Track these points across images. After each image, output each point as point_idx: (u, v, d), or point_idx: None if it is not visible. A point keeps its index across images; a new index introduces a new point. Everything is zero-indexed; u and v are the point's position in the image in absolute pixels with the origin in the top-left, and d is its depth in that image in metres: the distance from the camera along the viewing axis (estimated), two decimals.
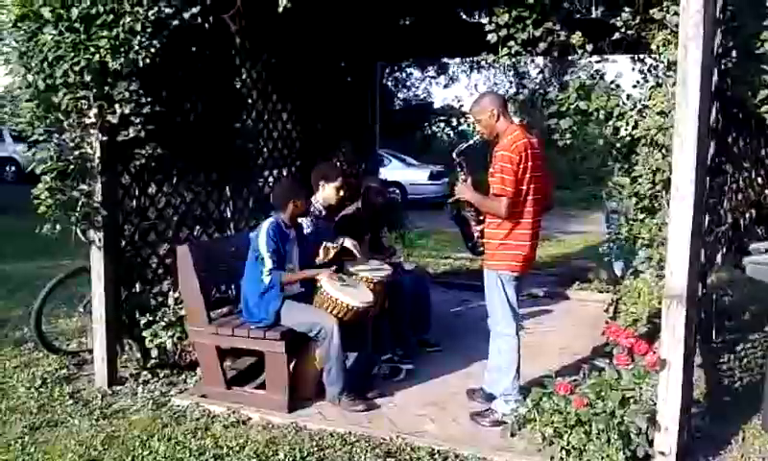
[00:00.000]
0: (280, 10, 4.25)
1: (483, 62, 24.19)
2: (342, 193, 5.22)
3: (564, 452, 3.56)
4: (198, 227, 5.63)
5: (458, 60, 24.16)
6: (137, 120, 4.38)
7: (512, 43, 5.07)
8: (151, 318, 4.78)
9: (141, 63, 4.31)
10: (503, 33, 5.07)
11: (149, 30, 4.33)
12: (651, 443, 3.47)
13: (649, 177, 4.93)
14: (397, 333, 5.40)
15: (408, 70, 25.17)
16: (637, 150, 4.99)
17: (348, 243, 4.97)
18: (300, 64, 6.72)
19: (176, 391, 4.72)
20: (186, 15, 4.48)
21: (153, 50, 4.33)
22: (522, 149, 4.15)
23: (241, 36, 5.30)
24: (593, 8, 5.12)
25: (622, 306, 5.27)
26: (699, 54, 3.33)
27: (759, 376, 4.89)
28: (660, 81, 5.09)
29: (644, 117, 5.03)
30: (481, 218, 4.55)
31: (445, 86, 25.06)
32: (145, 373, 4.86)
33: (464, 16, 7.09)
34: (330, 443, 3.96)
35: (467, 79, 25.23)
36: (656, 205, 5.04)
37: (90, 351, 5.12)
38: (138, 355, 4.95)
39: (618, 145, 6.27)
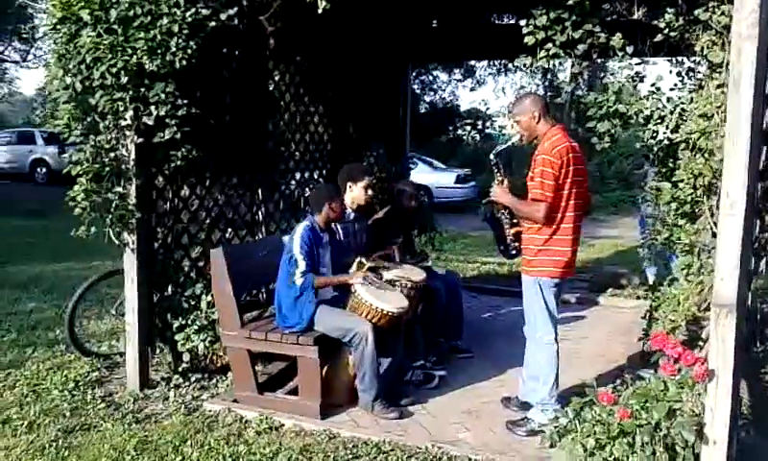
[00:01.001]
0: (320, 11, 4.20)
1: (510, 65, 24.11)
2: (370, 192, 5.16)
3: None
4: (229, 229, 5.61)
5: (485, 62, 23.98)
6: (173, 122, 4.36)
7: (549, 45, 4.99)
8: (183, 321, 4.76)
9: (178, 65, 4.29)
10: (541, 35, 5.00)
11: (185, 31, 4.31)
12: (697, 457, 3.36)
13: (690, 182, 4.82)
14: (430, 339, 5.33)
15: (434, 73, 25.08)
16: (679, 154, 4.88)
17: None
18: (332, 67, 6.68)
19: (207, 396, 4.69)
20: (223, 17, 4.46)
21: (189, 51, 4.31)
22: (564, 153, 4.07)
23: (275, 38, 5.26)
24: (635, 9, 5.00)
25: (660, 314, 5.15)
26: (754, 55, 3.20)
27: None
28: (702, 83, 4.99)
29: (684, 120, 4.93)
30: (515, 221, 4.48)
31: (472, 90, 25.01)
32: (177, 377, 4.84)
33: (496, 20, 6.99)
34: (365, 451, 3.90)
35: (493, 82, 25.12)
36: (696, 210, 4.93)
37: (122, 354, 5.13)
38: (170, 359, 4.93)
39: (656, 149, 6.18)
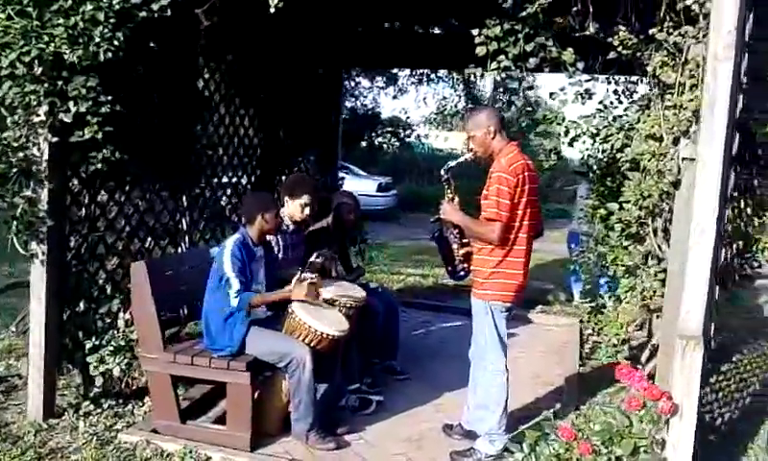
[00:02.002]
0: (272, 9, 3.87)
1: (432, 75, 24.21)
2: (307, 211, 4.85)
3: None
4: (149, 239, 5.16)
5: (407, 71, 23.95)
6: (94, 120, 3.90)
7: (502, 57, 4.84)
8: (97, 342, 4.28)
9: (102, 57, 3.85)
10: (493, 46, 4.84)
11: (112, 20, 3.87)
12: None
13: (638, 203, 4.77)
14: (365, 360, 5.06)
15: (357, 79, 24.87)
16: (625, 174, 4.82)
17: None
18: (263, 69, 6.33)
19: (122, 425, 4.23)
20: (155, 7, 4.03)
21: (116, 43, 3.88)
22: (520, 171, 3.89)
23: (207, 35, 4.86)
24: (588, 24, 4.91)
25: (603, 337, 5.09)
26: (729, 79, 3.12)
27: (737, 411, 4.75)
28: (650, 103, 4.95)
29: (629, 140, 4.88)
30: (465, 241, 4.27)
31: (394, 98, 24.81)
32: (86, 403, 4.32)
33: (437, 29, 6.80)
34: None
35: (415, 91, 25.07)
36: (641, 232, 4.89)
37: (20, 377, 4.60)
38: (78, 382, 4.44)
39: (595, 167, 6.12)
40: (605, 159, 5.49)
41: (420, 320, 7.27)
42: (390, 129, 25.80)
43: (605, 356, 4.94)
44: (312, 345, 4.05)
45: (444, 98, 25.48)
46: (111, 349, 4.26)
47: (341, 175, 7.96)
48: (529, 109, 7.62)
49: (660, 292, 4.82)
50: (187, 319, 4.73)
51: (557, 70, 5.08)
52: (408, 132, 26.18)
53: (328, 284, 4.62)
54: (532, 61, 4.85)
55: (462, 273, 4.31)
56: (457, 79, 25.14)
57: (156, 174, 5.12)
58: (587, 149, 5.62)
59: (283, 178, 6.95)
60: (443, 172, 4.27)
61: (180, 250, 5.41)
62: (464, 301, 8.45)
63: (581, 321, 6.99)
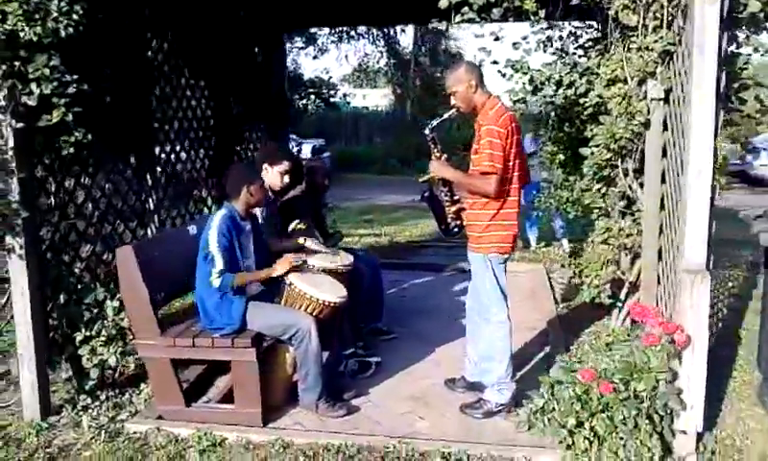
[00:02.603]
0: None
1: (353, 32, 23.92)
2: (286, 179, 4.74)
3: (586, 442, 3.38)
4: (119, 222, 4.94)
5: (327, 30, 23.59)
6: (61, 102, 3.65)
7: (466, 9, 4.80)
8: (87, 333, 4.08)
9: (63, 33, 3.61)
10: None
11: None
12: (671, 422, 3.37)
13: (609, 145, 4.86)
14: (355, 325, 5.03)
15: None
16: (596, 118, 4.91)
17: (310, 243, 4.58)
18: (207, 38, 6.08)
19: (126, 414, 4.08)
20: None
21: (75, 17, 3.64)
22: (508, 122, 3.90)
23: (150, 5, 4.62)
24: None
25: (584, 277, 5.21)
26: (717, 20, 3.18)
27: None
28: (609, 47, 5.03)
29: (591, 84, 4.96)
30: (456, 198, 4.28)
31: (314, 58, 24.46)
32: (83, 397, 4.14)
33: None
34: (331, 459, 3.55)
35: (336, 50, 24.76)
36: (611, 174, 5.00)
37: (3, 377, 4.37)
38: (65, 377, 4.24)
39: (553, 114, 6.21)
40: (565, 106, 5.57)
41: (390, 279, 7.24)
42: (312, 90, 25.38)
43: (588, 296, 5.06)
44: (315, 314, 4.00)
45: (366, 54, 25.26)
46: (104, 339, 4.08)
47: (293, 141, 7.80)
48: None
49: (636, 231, 4.98)
50: (165, 299, 4.56)
51: (520, 19, 5.08)
52: (332, 92, 25.83)
53: (316, 252, 4.56)
54: (496, 12, 4.83)
55: (455, 229, 4.31)
56: (377, 34, 24.99)
57: (119, 154, 4.89)
58: (543, 96, 5.68)
59: (237, 148, 6.78)
60: (427, 131, 4.23)
61: (149, 231, 5.20)
62: (424, 256, 8.65)
63: (563, 264, 7.07)
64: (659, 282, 4.87)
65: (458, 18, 4.80)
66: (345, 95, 26.32)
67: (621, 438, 3.25)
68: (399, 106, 24.81)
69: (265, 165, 4.68)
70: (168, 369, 3.98)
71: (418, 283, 7.07)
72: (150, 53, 5.41)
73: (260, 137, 7.06)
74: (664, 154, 4.76)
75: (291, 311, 4.00)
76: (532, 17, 4.91)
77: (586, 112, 5.18)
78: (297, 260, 4.16)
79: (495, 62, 5.12)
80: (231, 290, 3.90)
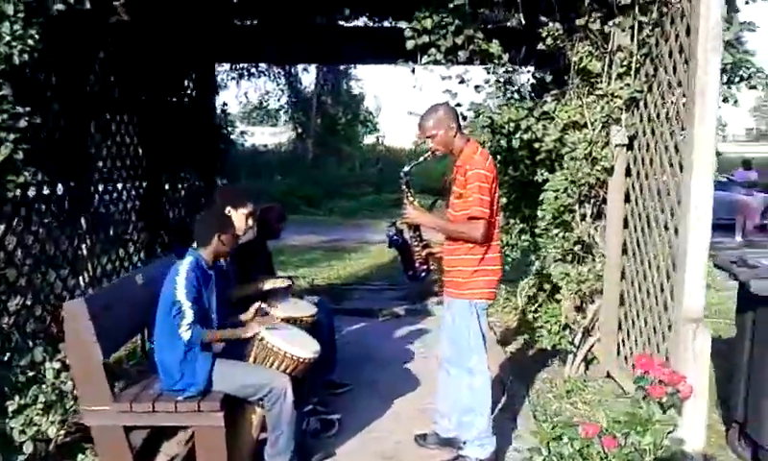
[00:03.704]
0: None
1: (253, 70, 23.59)
2: (251, 222, 4.42)
3: None
4: (50, 270, 4.43)
5: (227, 66, 23.11)
6: (11, 137, 3.21)
7: (433, 51, 4.75)
8: (21, 401, 3.56)
9: (17, 60, 3.19)
10: (424, 39, 4.74)
11: (22, 15, 3.22)
12: None
13: (572, 190, 4.89)
14: (312, 378, 4.72)
15: None
16: (561, 162, 4.93)
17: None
18: (142, 69, 5.69)
19: None
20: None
21: (31, 42, 3.24)
22: (493, 166, 3.81)
23: (90, 35, 4.24)
24: (512, 16, 4.95)
25: (542, 330, 5.18)
26: (718, 68, 3.23)
27: None
28: (566, 92, 5.10)
29: (547, 129, 5.00)
30: (425, 243, 4.14)
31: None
32: None
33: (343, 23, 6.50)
34: None
35: (236, 87, 24.25)
36: (568, 218, 5.03)
37: None
38: None
39: (499, 158, 6.15)
40: (515, 149, 5.58)
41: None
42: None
43: (549, 343, 5.02)
44: (288, 371, 3.69)
45: (267, 92, 24.94)
46: (41, 407, 3.57)
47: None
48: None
49: (593, 276, 5.01)
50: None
51: (483, 62, 5.08)
52: (230, 128, 25.26)
53: (280, 303, 4.26)
54: (462, 54, 4.80)
55: (423, 274, 4.17)
56: (278, 72, 24.76)
57: (52, 194, 4.41)
58: (498, 140, 5.67)
59: (166, 186, 6.37)
60: (402, 174, 4.06)
61: (81, 280, 4.70)
62: (353, 301, 8.40)
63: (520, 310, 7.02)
64: (619, 328, 4.91)
65: (425, 59, 4.74)
66: (243, 132, 25.83)
67: None
68: (301, 144, 24.59)
69: (228, 208, 4.34)
70: (120, 437, 3.53)
71: (356, 330, 6.82)
72: (87, 86, 4.94)
73: (190, 177, 6.64)
74: (626, 200, 4.84)
75: (264, 369, 3.67)
76: (496, 61, 4.91)
77: (538, 157, 5.21)
78: (266, 309, 3.87)
79: (459, 105, 5.06)
80: (199, 345, 3.53)
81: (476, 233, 3.69)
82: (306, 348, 3.79)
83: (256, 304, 3.87)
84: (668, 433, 3.24)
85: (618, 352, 4.92)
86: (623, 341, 4.83)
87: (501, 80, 5.13)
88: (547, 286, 5.19)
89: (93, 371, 3.46)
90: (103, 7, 3.78)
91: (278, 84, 24.64)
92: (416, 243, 4.11)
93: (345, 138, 25.22)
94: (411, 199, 3.99)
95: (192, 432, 4.06)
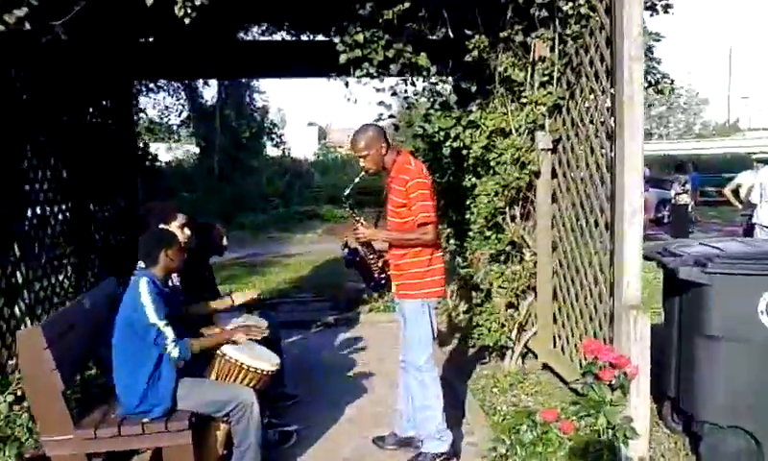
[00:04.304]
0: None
1: (152, 85, 22.94)
2: (187, 231, 4.42)
3: None
4: None
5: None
6: None
7: (366, 64, 4.90)
8: None
9: None
10: (357, 53, 4.88)
11: None
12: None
13: (503, 194, 5.16)
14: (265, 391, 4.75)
15: None
16: (493, 168, 5.18)
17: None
18: (63, 89, 5.55)
19: None
20: (11, 19, 3.34)
21: None
22: (428, 173, 4.02)
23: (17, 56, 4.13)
24: (437, 29, 5.16)
25: (481, 329, 5.40)
26: (642, 76, 3.54)
27: None
28: (490, 100, 5.38)
29: (474, 137, 5.26)
30: (379, 253, 4.28)
31: None
32: None
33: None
34: None
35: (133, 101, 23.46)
36: (500, 220, 5.31)
37: None
38: None
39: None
40: (438, 158, 5.83)
41: None
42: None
43: (491, 340, 5.26)
44: (251, 385, 3.73)
45: (167, 107, 24.33)
46: None
47: None
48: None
49: (526, 274, 5.30)
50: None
51: (413, 75, 5.28)
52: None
53: (231, 319, 4.29)
54: (393, 67, 4.98)
55: (383, 282, 4.31)
56: (177, 87, 24.22)
57: None
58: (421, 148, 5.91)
59: (95, 207, 6.22)
60: (345, 196, 4.17)
61: (17, 309, 4.54)
62: (282, 314, 8.39)
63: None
64: (554, 321, 5.21)
65: (359, 73, 4.88)
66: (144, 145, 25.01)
67: None
68: (205, 159, 24.13)
69: (161, 226, 4.31)
70: None
71: (294, 342, 6.86)
72: (12, 108, 4.77)
73: (117, 198, 6.50)
74: (553, 200, 5.15)
75: (228, 385, 3.70)
76: (425, 73, 5.11)
77: (465, 163, 5.46)
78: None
79: (392, 116, 5.23)
80: (188, 357, 3.54)
81: (427, 237, 3.88)
82: (267, 360, 3.84)
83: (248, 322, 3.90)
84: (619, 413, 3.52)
85: (554, 344, 5.22)
86: (558, 333, 5.13)
87: (430, 91, 5.35)
88: (484, 287, 5.42)
89: (53, 400, 3.39)
90: (38, 28, 3.69)
91: (178, 99, 24.19)
92: (371, 256, 4.24)
93: (250, 152, 24.93)
94: (358, 219, 4.12)
95: (152, 454, 4.07)
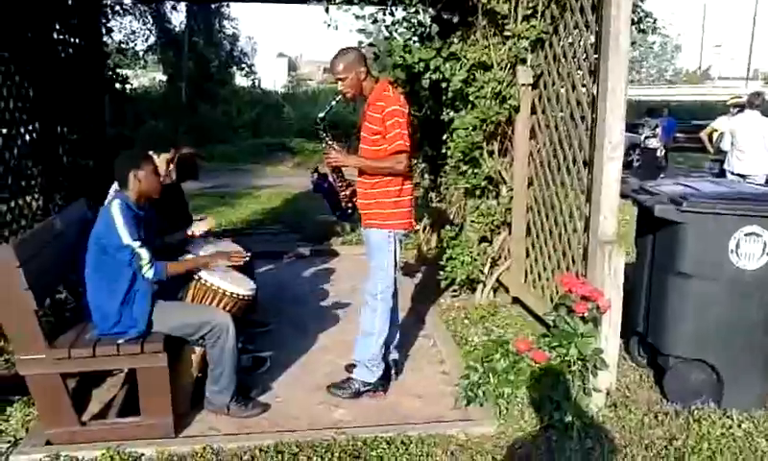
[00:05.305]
0: None
1: (118, 8, 22.15)
2: (171, 166, 4.35)
3: (519, 407, 3.58)
4: None
5: None
6: None
7: None
8: None
9: None
10: None
11: None
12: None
13: (482, 128, 5.14)
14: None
15: None
16: (472, 101, 5.13)
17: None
18: (26, 5, 5.32)
19: (5, 445, 3.46)
20: None
21: None
22: (407, 102, 3.96)
23: None
24: None
25: (454, 262, 5.44)
26: (629, 9, 3.50)
27: None
28: (471, 33, 5.30)
29: (454, 69, 5.20)
30: (348, 182, 4.24)
31: None
32: None
33: None
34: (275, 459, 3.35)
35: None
36: (477, 155, 5.29)
37: None
38: None
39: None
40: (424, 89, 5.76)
41: None
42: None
43: (463, 274, 5.31)
44: (227, 309, 3.73)
45: (134, 32, 23.50)
46: None
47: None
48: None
49: (503, 209, 5.33)
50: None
51: (396, 3, 5.17)
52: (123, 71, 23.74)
53: (203, 246, 4.25)
54: None
55: (350, 211, 4.29)
56: (143, 10, 23.41)
57: None
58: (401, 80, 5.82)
59: (63, 129, 6.05)
60: (317, 121, 4.09)
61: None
62: (253, 244, 8.35)
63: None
64: (527, 256, 5.27)
65: None
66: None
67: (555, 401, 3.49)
68: (172, 87, 23.53)
69: (150, 152, 4.21)
70: (58, 385, 3.45)
71: (265, 272, 6.81)
72: None
73: (86, 120, 6.32)
74: (531, 136, 5.14)
75: (204, 308, 3.69)
76: (407, 1, 4.99)
77: (444, 97, 5.41)
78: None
79: (372, 44, 5.13)
80: (143, 287, 3.50)
81: (400, 166, 3.83)
82: (243, 285, 3.83)
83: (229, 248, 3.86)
84: (590, 345, 3.61)
85: (525, 278, 5.29)
86: (531, 268, 5.20)
87: (413, 20, 5.25)
88: (457, 221, 5.45)
89: (25, 319, 3.35)
90: None
91: (145, 24, 23.40)
92: (340, 184, 4.20)
93: (219, 81, 24.37)
94: (330, 143, 4.05)
95: (125, 376, 4.07)
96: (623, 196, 4.22)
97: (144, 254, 3.44)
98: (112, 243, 3.45)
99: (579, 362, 3.51)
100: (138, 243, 3.44)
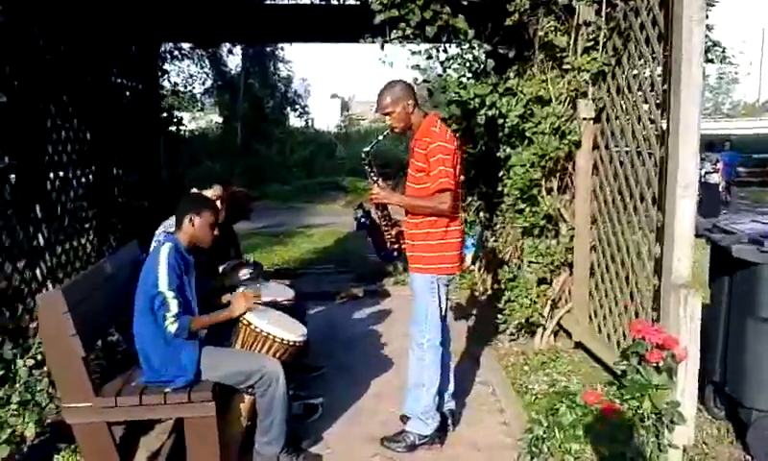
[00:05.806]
0: None
1: (176, 52, 22.81)
2: (219, 204, 4.27)
3: None
4: (7, 262, 4.15)
5: None
6: None
7: (403, 25, 4.68)
8: None
9: None
10: (393, 13, 4.67)
11: None
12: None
13: (540, 165, 4.94)
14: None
15: None
16: (530, 138, 4.95)
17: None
18: (88, 49, 5.40)
19: None
20: None
21: None
22: (454, 139, 3.78)
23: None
24: None
25: (515, 296, 5.21)
26: (702, 37, 3.29)
27: None
28: (529, 67, 5.14)
29: (511, 105, 5.02)
30: (393, 221, 4.08)
31: None
32: None
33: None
34: None
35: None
36: (535, 193, 5.08)
37: None
38: None
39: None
40: (480, 125, 5.60)
41: None
42: None
43: (522, 316, 5.07)
44: (277, 356, 3.59)
45: (191, 76, 24.15)
46: (15, 406, 3.34)
47: None
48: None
49: (562, 249, 5.09)
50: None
51: (450, 40, 5.05)
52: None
53: (261, 287, 4.14)
54: (429, 30, 4.76)
55: (395, 253, 4.12)
56: (201, 54, 24.03)
57: (4, 181, 4.13)
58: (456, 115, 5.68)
59: (119, 170, 6.10)
60: (363, 155, 3.95)
61: (38, 272, 4.43)
62: (306, 284, 8.27)
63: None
64: (590, 297, 5.01)
65: (395, 34, 4.66)
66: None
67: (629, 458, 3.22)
68: (229, 128, 24.01)
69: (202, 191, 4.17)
70: (105, 434, 3.35)
71: (317, 313, 6.70)
72: (36, 68, 4.63)
73: (143, 163, 6.38)
74: (594, 172, 4.92)
75: (253, 355, 3.55)
76: (462, 37, 4.88)
77: (500, 133, 5.24)
78: (253, 291, 3.74)
79: (426, 81, 5.02)
80: (186, 335, 3.38)
81: (443, 206, 3.64)
82: (294, 331, 3.69)
83: (247, 291, 3.72)
84: (665, 397, 3.33)
85: (589, 322, 5.02)
86: (595, 311, 4.92)
87: (467, 56, 5.12)
88: (515, 261, 5.23)
89: (73, 366, 3.27)
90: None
91: (203, 67, 24.01)
92: (385, 223, 4.05)
93: (274, 122, 24.76)
94: (375, 179, 3.90)
95: (174, 424, 3.96)
96: (697, 235, 3.96)
97: (173, 306, 3.30)
98: (148, 281, 3.35)
99: (653, 416, 3.24)
100: (173, 294, 3.31)
